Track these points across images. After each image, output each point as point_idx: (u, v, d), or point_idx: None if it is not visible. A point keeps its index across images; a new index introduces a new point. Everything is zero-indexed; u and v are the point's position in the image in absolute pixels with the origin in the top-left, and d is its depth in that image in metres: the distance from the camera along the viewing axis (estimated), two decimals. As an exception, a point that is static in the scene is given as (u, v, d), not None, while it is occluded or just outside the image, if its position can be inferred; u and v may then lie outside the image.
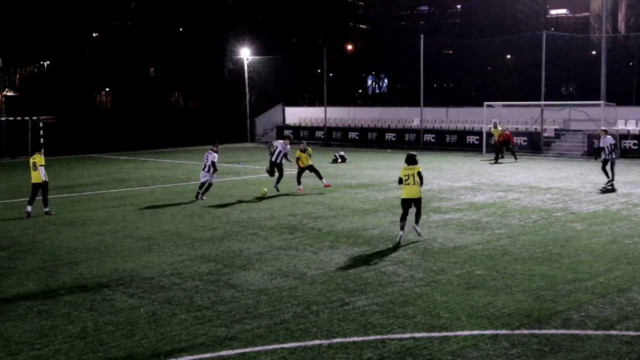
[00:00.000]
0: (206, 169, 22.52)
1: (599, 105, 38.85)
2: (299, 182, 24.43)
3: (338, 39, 75.43)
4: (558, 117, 43.58)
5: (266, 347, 8.92)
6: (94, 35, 68.37)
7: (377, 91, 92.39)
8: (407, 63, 65.36)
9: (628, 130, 39.32)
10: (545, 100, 42.09)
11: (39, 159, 19.99)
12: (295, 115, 59.14)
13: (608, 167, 25.04)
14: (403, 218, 15.46)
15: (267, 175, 25.14)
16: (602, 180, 26.14)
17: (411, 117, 50.45)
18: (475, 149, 43.00)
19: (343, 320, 9.93)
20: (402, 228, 15.42)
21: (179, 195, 23.70)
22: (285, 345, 8.97)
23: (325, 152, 44.30)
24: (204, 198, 22.66)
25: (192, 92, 71.41)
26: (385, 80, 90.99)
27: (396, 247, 14.83)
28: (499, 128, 36.37)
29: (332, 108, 54.77)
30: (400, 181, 15.66)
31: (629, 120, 40.74)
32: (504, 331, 9.40)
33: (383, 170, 31.44)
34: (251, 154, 43.47)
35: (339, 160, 36.42)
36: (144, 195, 24.02)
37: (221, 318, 10.14)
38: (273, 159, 24.41)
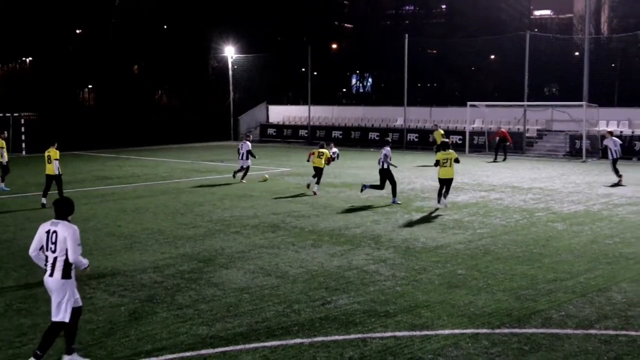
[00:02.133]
0: (244, 157, 26.94)
1: (581, 106, 39.09)
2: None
3: (323, 38, 75.41)
4: (541, 118, 43.84)
5: (247, 346, 8.91)
6: (77, 32, 68.00)
7: (361, 90, 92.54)
8: (392, 62, 65.49)
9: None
10: (528, 100, 42.32)
11: (53, 152, 20.90)
12: (279, 113, 59.08)
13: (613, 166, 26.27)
14: (440, 193, 20.12)
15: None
16: (582, 180, 26.44)
17: (395, 116, 50.57)
18: (459, 148, 43.07)
19: (324, 319, 9.94)
20: (439, 201, 20.08)
21: (161, 193, 23.62)
22: (266, 344, 8.96)
23: (308, 151, 44.29)
24: (243, 181, 26.53)
25: (176, 90, 71.23)
26: (370, 80, 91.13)
27: (378, 246, 14.87)
28: (440, 130, 35.89)
29: (316, 107, 54.76)
30: (437, 163, 20.15)
31: (610, 121, 41.04)
32: (484, 330, 9.44)
33: (366, 169, 31.46)
34: (234, 153, 43.29)
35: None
36: (126, 193, 23.91)
37: (202, 316, 10.12)
38: (380, 166, 21.84)
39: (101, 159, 38.39)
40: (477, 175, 29.24)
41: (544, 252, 14.22)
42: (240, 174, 27.05)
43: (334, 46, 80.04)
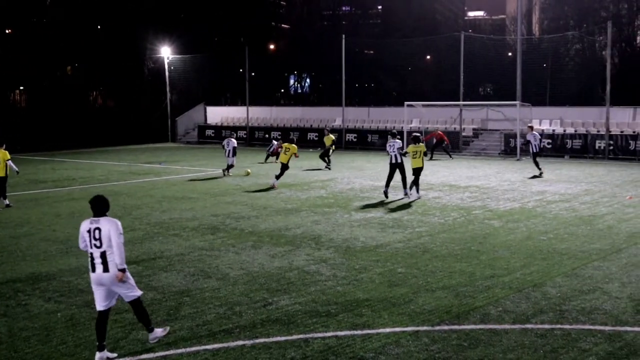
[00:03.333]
0: (230, 154, 29.28)
1: (515, 105, 39.96)
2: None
3: (260, 39, 75.22)
4: (476, 117, 44.62)
5: (188, 350, 8.82)
6: (7, 31, 66.14)
7: (300, 91, 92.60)
8: (329, 63, 65.70)
9: (542, 130, 40.50)
10: (463, 100, 43.08)
11: (2, 153, 20.97)
12: (217, 114, 58.71)
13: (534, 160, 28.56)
14: (414, 183, 22.29)
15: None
16: (517, 178, 27.09)
17: (333, 116, 50.78)
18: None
19: (266, 321, 9.91)
20: (417, 191, 22.29)
21: (97, 197, 23.16)
22: (207, 347, 8.89)
23: (248, 152, 44.15)
24: (230, 175, 29.32)
25: (111, 91, 69.97)
26: (308, 80, 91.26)
27: (319, 246, 14.90)
28: (330, 135, 34.29)
29: (254, 107, 54.61)
30: (406, 154, 22.64)
31: (543, 120, 42.05)
32: (424, 327, 9.55)
33: (306, 169, 31.51)
34: (172, 154, 42.91)
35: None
36: (61, 197, 23.41)
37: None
38: (393, 161, 22.56)
39: (34, 162, 37.48)
40: (415, 174, 29.55)
41: (481, 249, 14.46)
42: (228, 171, 29.64)
43: (272, 47, 79.91)
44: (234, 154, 29.68)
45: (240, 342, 9.04)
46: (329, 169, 31.90)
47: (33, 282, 12.15)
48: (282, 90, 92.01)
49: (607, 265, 12.94)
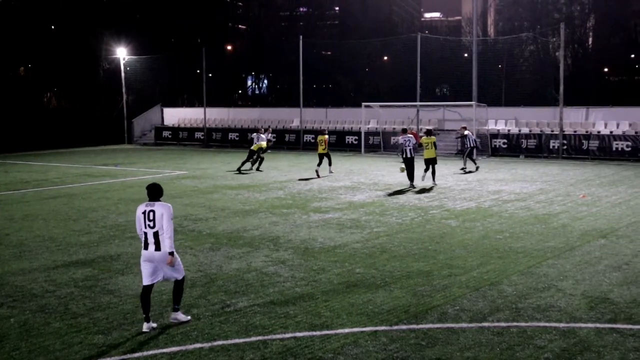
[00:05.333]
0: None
1: (471, 105, 40.42)
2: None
3: (217, 39, 74.76)
4: (433, 117, 45.00)
5: (145, 353, 8.72)
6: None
7: (257, 92, 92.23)
8: (287, 64, 65.73)
9: (498, 130, 41.08)
10: (420, 101, 43.39)
11: None
12: (174, 116, 58.27)
13: (466, 156, 31.24)
14: (425, 171, 25.74)
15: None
16: (473, 178, 27.44)
17: (291, 117, 50.76)
18: (354, 148, 43.76)
19: (224, 323, 9.85)
20: (422, 178, 25.69)
21: (52, 199, 22.83)
22: (165, 350, 8.80)
23: (205, 154, 43.90)
24: (261, 170, 31.43)
25: (66, 92, 68.84)
26: (265, 81, 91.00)
27: (277, 247, 14.87)
28: (262, 143, 33.35)
29: (211, 109, 54.30)
30: (420, 145, 26.16)
31: (498, 120, 42.59)
32: (383, 327, 9.58)
33: (263, 170, 31.43)
34: (128, 156, 42.45)
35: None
36: (14, 200, 22.98)
37: (98, 325, 9.84)
38: (407, 155, 25.11)
39: (-14, 165, 36.75)
40: (373, 174, 29.72)
41: (438, 249, 14.58)
42: (255, 165, 31.50)
43: (229, 47, 79.50)
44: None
45: (198, 345, 8.97)
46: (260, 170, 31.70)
47: (-15, 288, 11.91)
48: (240, 91, 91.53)
49: (561, 263, 13.15)
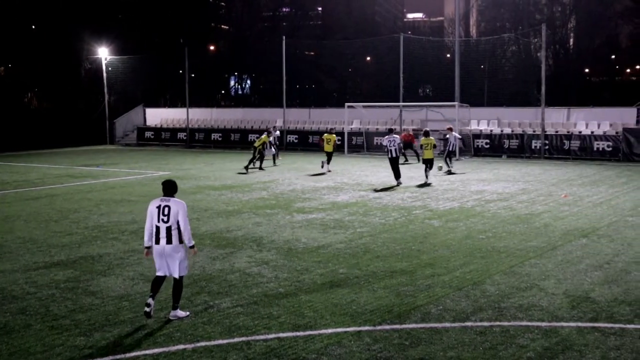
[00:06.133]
0: (268, 146, 33.05)
1: (453, 106, 40.56)
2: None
3: (200, 39, 74.54)
4: (416, 118, 45.11)
5: (128, 355, 8.67)
6: None
7: (240, 92, 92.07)
8: (270, 64, 65.60)
9: (480, 130, 41.26)
10: (403, 101, 43.49)
11: None
12: (157, 116, 58.04)
13: (445, 157, 31.47)
14: (425, 170, 26.46)
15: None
16: (456, 178, 27.56)
17: (274, 117, 50.70)
18: (338, 148, 43.71)
19: (207, 324, 9.81)
20: (426, 177, 26.36)
21: (33, 200, 22.65)
22: (148, 352, 8.76)
23: (187, 154, 43.77)
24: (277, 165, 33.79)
25: (47, 92, 68.37)
26: (248, 81, 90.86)
27: (260, 248, 14.84)
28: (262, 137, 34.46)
29: (194, 109, 54.16)
30: (420, 147, 27.62)
31: (481, 121, 42.79)
32: (366, 327, 9.59)
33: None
34: (110, 157, 42.22)
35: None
36: (-5, 201, 22.79)
37: (80, 327, 9.76)
38: (392, 155, 25.87)
39: (-33, 166, 36.42)
40: (356, 175, 29.75)
41: (421, 249, 14.61)
42: (258, 164, 32.07)
43: (212, 47, 79.31)
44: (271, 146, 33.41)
45: (182, 346, 8.93)
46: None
47: (-35, 289, 11.79)
48: (223, 92, 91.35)
49: (543, 263, 13.22)
